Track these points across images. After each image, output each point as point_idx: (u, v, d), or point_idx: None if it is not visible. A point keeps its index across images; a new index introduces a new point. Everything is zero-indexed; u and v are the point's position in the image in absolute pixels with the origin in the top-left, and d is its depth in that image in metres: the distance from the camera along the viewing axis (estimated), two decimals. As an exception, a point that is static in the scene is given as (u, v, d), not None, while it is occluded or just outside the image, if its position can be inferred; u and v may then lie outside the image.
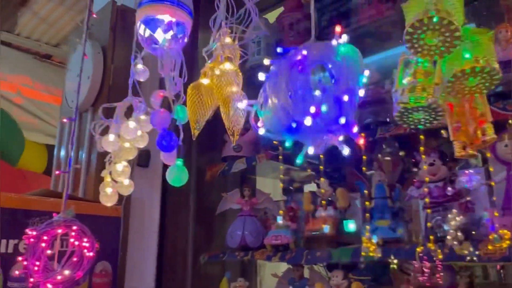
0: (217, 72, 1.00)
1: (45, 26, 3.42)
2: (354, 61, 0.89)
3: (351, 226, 1.69)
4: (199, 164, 2.19)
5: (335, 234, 1.69)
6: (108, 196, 1.07)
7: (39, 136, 3.59)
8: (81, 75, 1.75)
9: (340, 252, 1.64)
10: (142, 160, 1.94)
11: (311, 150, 0.85)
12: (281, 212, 1.90)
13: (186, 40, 1.01)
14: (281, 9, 2.13)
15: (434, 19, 0.85)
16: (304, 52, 0.84)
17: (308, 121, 0.81)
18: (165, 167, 2.09)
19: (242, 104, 0.97)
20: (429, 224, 1.46)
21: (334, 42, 0.87)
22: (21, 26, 3.46)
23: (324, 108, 0.81)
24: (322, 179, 1.81)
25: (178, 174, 0.98)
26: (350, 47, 0.90)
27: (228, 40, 1.11)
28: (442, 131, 1.74)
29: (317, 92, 0.82)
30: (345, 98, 0.84)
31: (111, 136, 1.02)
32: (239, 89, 1.05)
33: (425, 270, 1.67)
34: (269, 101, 0.83)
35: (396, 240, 1.54)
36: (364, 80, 0.90)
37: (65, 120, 1.23)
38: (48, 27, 3.42)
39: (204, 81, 1.01)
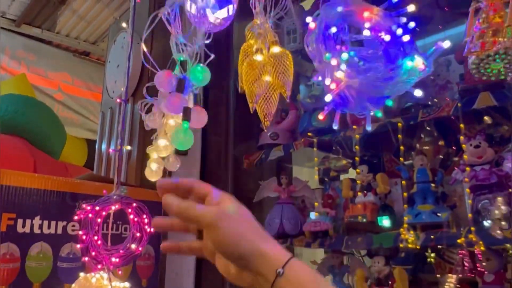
0: (275, 50, 1.02)
1: (84, 24, 3.51)
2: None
3: (385, 222, 1.65)
4: (236, 152, 2.21)
5: (376, 220, 1.67)
6: (153, 171, 1.09)
7: (79, 131, 3.71)
8: (121, 66, 1.78)
9: (382, 238, 1.61)
10: (181, 148, 1.97)
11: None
12: (316, 204, 1.89)
13: (233, 14, 1.03)
14: (317, -4, 2.12)
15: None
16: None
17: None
18: (203, 155, 2.13)
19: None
20: (470, 215, 1.42)
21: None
22: (61, 25, 3.57)
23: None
24: (358, 170, 1.79)
25: (183, 138, 0.97)
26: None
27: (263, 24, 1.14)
28: (485, 117, 1.70)
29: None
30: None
31: (155, 114, 1.04)
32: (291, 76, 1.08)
33: (466, 263, 1.62)
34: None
35: (439, 226, 1.51)
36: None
37: (118, 100, 1.26)
38: (86, 24, 3.51)
39: (258, 57, 1.03)
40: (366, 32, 0.82)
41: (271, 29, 1.10)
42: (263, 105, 1.09)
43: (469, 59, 0.96)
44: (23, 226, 1.34)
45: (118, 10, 3.28)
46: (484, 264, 1.46)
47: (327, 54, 0.81)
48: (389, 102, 0.81)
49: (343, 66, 0.82)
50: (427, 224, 1.51)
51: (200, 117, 1.02)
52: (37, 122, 2.86)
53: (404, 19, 0.83)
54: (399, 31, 0.81)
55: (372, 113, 0.91)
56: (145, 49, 1.03)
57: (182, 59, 0.97)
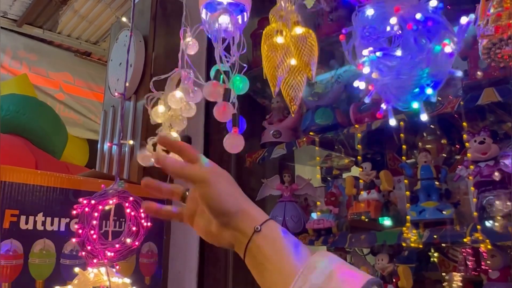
0: (298, 31, 1.02)
1: (85, 24, 3.51)
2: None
3: (386, 222, 1.65)
4: (238, 150, 2.20)
5: (379, 217, 1.66)
6: (146, 155, 1.09)
7: (80, 131, 3.70)
8: (124, 64, 1.76)
9: (385, 235, 1.61)
10: (183, 146, 1.96)
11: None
12: (318, 203, 1.89)
13: (246, 20, 1.04)
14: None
15: None
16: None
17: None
18: (206, 153, 2.13)
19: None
20: (475, 214, 1.41)
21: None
22: (62, 25, 3.57)
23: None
24: (360, 168, 1.78)
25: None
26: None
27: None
28: (488, 116, 1.69)
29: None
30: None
31: (160, 108, 1.03)
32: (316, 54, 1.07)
33: (469, 263, 1.62)
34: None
35: (443, 223, 1.50)
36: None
37: (116, 94, 1.25)
38: (88, 24, 3.51)
39: (279, 39, 1.03)
40: (396, 28, 0.83)
41: (295, 10, 1.08)
42: (289, 89, 1.09)
43: (480, 44, 0.95)
44: (26, 223, 1.34)
45: (119, 9, 3.28)
46: (488, 262, 1.45)
47: (364, 58, 0.83)
48: (430, 92, 0.82)
49: (366, 70, 0.84)
50: (431, 221, 1.50)
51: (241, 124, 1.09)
52: (39, 122, 2.85)
53: (434, 3, 0.85)
54: (422, 18, 0.82)
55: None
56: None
57: (224, 69, 1.00)
